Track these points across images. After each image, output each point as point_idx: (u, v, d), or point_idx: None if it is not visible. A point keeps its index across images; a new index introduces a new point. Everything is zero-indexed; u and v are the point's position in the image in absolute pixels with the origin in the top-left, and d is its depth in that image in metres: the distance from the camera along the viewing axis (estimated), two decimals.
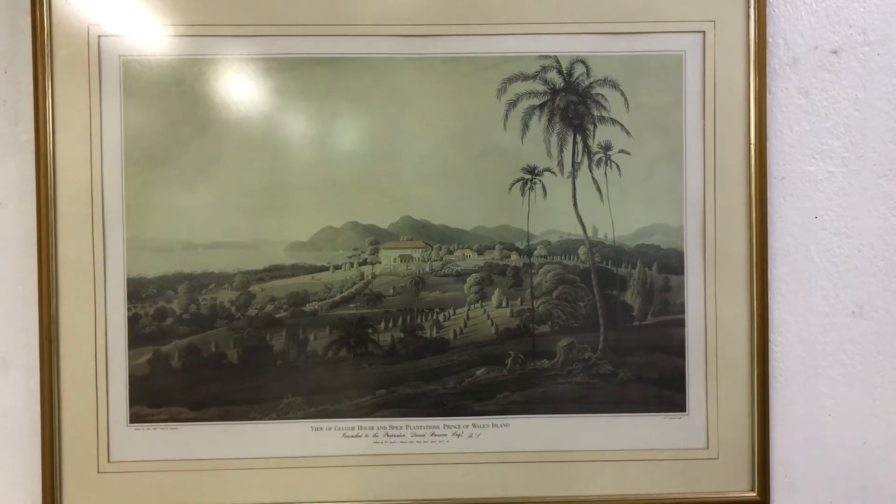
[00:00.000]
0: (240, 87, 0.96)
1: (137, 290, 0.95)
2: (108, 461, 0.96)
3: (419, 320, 0.97)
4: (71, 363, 0.95)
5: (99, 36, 0.95)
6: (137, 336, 0.95)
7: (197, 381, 0.96)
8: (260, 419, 0.96)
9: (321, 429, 0.97)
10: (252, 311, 0.96)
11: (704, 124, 0.96)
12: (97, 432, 0.95)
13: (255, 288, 0.96)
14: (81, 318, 0.95)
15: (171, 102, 0.95)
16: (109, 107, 0.95)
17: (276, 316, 0.96)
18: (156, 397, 0.96)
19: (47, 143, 0.93)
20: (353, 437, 0.97)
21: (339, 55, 0.96)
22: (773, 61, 0.98)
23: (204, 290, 0.96)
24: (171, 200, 0.96)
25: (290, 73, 0.95)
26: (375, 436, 0.97)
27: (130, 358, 0.95)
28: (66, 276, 0.95)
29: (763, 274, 0.96)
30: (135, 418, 0.96)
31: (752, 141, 0.96)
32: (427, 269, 0.98)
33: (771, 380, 0.98)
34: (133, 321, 0.95)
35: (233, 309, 0.96)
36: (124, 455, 0.96)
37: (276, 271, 0.96)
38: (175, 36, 0.95)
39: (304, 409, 0.96)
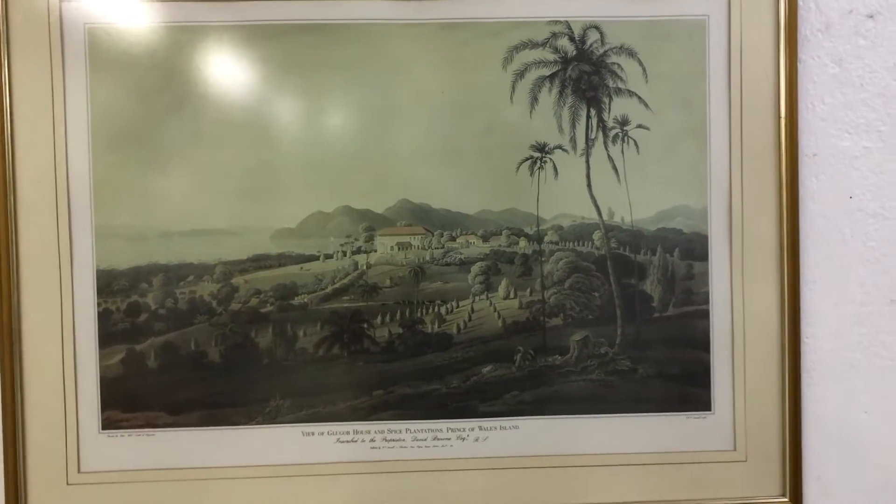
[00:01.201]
0: (219, 59, 0.89)
1: (108, 283, 0.90)
2: (79, 471, 0.90)
3: (419, 314, 0.92)
4: (35, 364, 0.89)
5: (61, 1, 0.87)
6: (109, 334, 0.90)
7: (175, 382, 0.91)
8: (245, 424, 0.91)
9: (313, 433, 0.92)
10: (235, 306, 0.91)
11: (730, 96, 0.91)
12: (65, 440, 0.90)
13: (238, 280, 0.91)
14: (46, 314, 0.89)
15: (142, 75, 0.88)
16: (74, 81, 0.88)
17: (262, 310, 0.91)
18: (130, 401, 0.90)
19: (4, 121, 0.86)
20: (347, 442, 0.92)
21: (327, 21, 0.89)
22: (803, 27, 0.91)
23: (182, 283, 0.90)
24: (145, 184, 0.89)
25: (275, 42, 0.89)
26: (372, 440, 0.92)
27: (101, 358, 0.90)
28: (28, 268, 0.89)
29: (794, 260, 0.91)
30: (107, 424, 0.90)
31: (782, 114, 0.90)
32: (427, 257, 0.93)
33: (803, 375, 0.93)
34: (104, 317, 0.90)
35: (214, 303, 0.91)
36: (96, 465, 0.90)
37: (260, 261, 0.91)
38: (147, 1, 0.88)
39: (293, 413, 0.91)
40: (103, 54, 0.88)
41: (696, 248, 0.92)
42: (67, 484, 0.90)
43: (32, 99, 0.87)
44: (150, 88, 0.89)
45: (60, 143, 0.88)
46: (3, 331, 0.87)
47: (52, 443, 0.89)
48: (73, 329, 0.89)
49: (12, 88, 0.87)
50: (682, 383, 0.93)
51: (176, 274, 0.90)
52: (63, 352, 0.89)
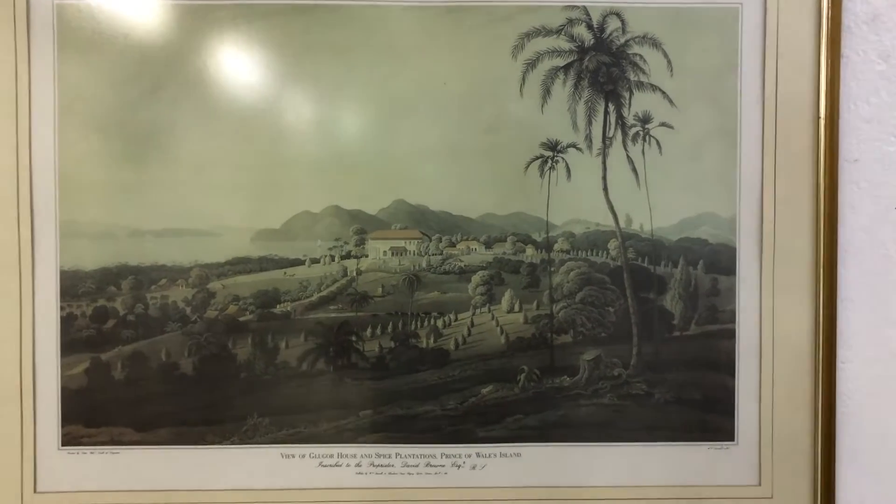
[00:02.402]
0: (200, 41, 0.85)
1: (73, 285, 0.86)
2: (35, 491, 0.86)
3: (413, 327, 0.88)
4: None
5: None
6: (72, 341, 0.86)
7: (144, 396, 0.87)
8: (219, 443, 0.87)
9: (293, 456, 0.88)
10: (211, 313, 0.87)
11: (764, 94, 0.86)
12: (21, 457, 0.86)
13: (215, 284, 0.87)
14: (3, 317, 0.84)
15: (116, 58, 0.84)
16: (40, 62, 0.84)
17: (241, 319, 0.88)
18: (94, 415, 0.87)
19: None
20: (331, 466, 0.88)
21: (319, 2, 0.84)
22: (847, 18, 0.86)
23: (153, 287, 0.87)
24: (115, 177, 0.85)
25: (262, 23, 0.84)
26: (359, 465, 0.88)
27: (63, 367, 0.86)
28: None
29: (831, 276, 0.86)
30: (68, 440, 0.86)
31: (822, 115, 0.85)
32: (424, 264, 0.89)
33: (837, 403, 0.88)
34: (67, 323, 0.86)
35: (188, 310, 0.87)
36: (55, 484, 0.86)
37: (240, 265, 0.87)
38: None
39: (272, 433, 0.88)
40: (73, 33, 0.84)
41: (722, 261, 0.88)
42: None
43: None
44: (125, 72, 0.84)
45: (24, 130, 0.84)
46: None
47: (6, 459, 0.85)
48: (33, 335, 0.85)
49: None
50: (703, 410, 0.88)
51: (147, 277, 0.86)
52: (21, 359, 0.85)
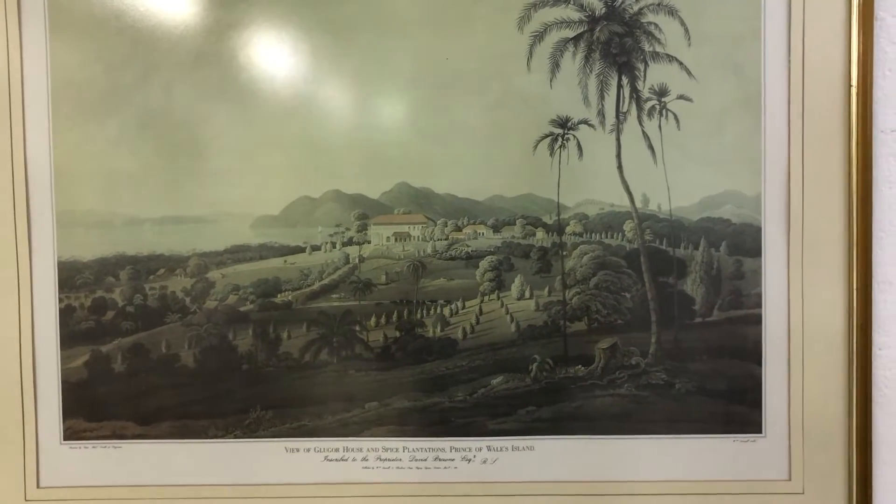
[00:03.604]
0: (193, 21, 0.83)
1: (71, 277, 0.85)
2: (38, 487, 0.86)
3: (419, 315, 0.87)
4: None
5: None
6: (71, 333, 0.86)
7: (145, 389, 0.86)
8: (222, 437, 0.87)
9: (297, 450, 0.87)
10: (211, 303, 0.86)
11: (790, 61, 0.83)
12: (24, 452, 0.86)
13: (214, 274, 0.86)
14: (2, 311, 0.84)
15: (109, 41, 0.84)
16: (32, 47, 0.83)
17: (241, 309, 0.87)
18: (95, 409, 0.87)
19: None
20: (337, 460, 0.87)
21: None
22: None
23: (152, 277, 0.86)
24: (111, 164, 0.85)
25: (256, 1, 0.83)
26: (365, 459, 0.87)
27: (63, 360, 0.86)
28: None
29: (865, 256, 0.83)
30: (69, 434, 0.86)
31: (854, 82, 0.82)
32: (429, 250, 0.87)
33: (874, 393, 0.84)
34: (66, 315, 0.86)
35: (187, 300, 0.86)
36: (57, 479, 0.87)
37: (239, 253, 0.86)
38: None
39: (276, 426, 0.87)
40: (66, 16, 0.83)
41: (747, 242, 0.86)
42: (26, 500, 0.86)
43: None
44: (118, 55, 0.84)
45: (17, 117, 0.83)
46: None
47: (8, 455, 0.85)
48: (32, 328, 0.85)
49: None
50: (728, 400, 0.86)
51: (145, 266, 0.86)
52: (21, 353, 0.85)
